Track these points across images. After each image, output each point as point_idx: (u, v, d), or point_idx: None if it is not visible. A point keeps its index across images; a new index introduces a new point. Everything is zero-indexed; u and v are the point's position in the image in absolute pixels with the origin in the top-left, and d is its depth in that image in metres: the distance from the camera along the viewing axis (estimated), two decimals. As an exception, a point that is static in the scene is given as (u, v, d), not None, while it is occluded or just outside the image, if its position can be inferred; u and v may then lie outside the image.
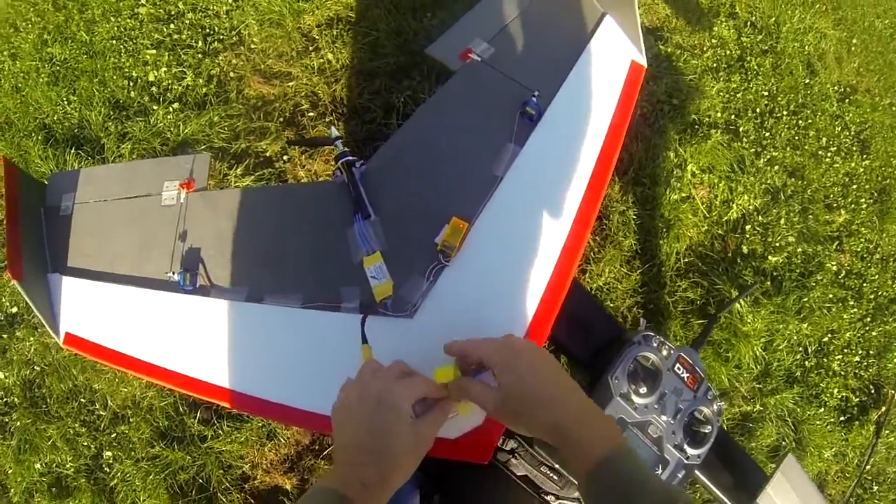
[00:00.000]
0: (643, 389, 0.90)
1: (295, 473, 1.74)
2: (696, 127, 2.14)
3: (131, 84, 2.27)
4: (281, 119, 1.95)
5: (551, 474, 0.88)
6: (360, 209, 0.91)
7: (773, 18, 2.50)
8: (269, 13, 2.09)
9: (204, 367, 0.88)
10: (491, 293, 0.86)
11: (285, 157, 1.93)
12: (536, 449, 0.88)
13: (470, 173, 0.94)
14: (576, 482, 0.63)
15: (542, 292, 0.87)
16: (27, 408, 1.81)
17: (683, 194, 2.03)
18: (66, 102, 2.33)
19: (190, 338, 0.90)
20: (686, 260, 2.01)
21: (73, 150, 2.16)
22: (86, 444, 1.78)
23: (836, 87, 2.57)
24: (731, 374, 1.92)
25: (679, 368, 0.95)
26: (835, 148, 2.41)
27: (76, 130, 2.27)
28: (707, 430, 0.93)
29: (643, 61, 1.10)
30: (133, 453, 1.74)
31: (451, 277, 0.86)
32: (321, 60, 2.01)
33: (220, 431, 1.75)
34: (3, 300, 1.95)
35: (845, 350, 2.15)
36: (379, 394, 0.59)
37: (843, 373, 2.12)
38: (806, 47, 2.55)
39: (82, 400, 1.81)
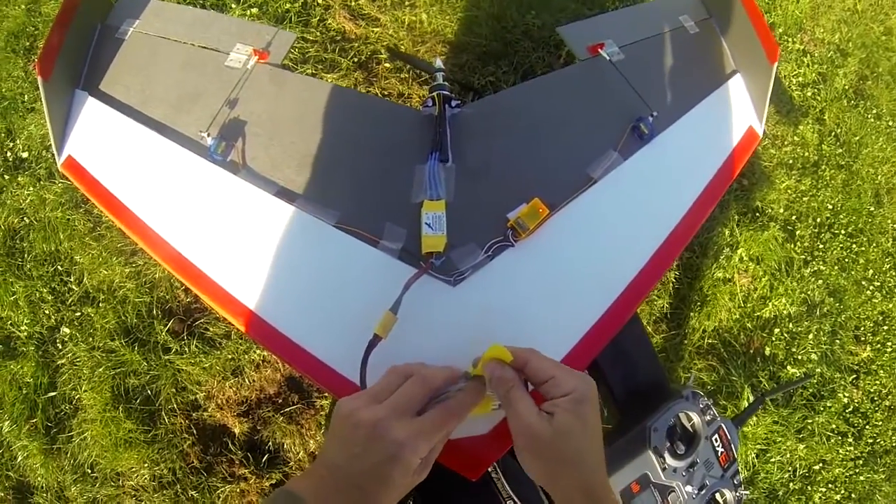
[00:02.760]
0: (680, 450, 0.80)
1: (248, 419, 1.62)
2: (757, 214, 2.07)
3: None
4: (355, 59, 1.87)
5: None
6: (440, 149, 0.81)
7: (858, 138, 2.45)
8: None
9: (203, 252, 0.77)
10: (548, 292, 0.77)
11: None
12: (510, 481, 0.79)
13: (565, 163, 0.87)
14: None
15: (603, 314, 0.77)
16: (2, 256, 1.69)
17: (727, 275, 1.95)
18: None
19: (199, 213, 0.80)
20: (709, 341, 1.92)
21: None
22: (48, 313, 1.67)
23: (894, 226, 2.51)
24: (718, 470, 1.84)
25: (717, 440, 0.85)
26: (878, 283, 2.34)
27: None
28: (725, 518, 0.83)
29: (760, 131, 1.03)
30: (91, 339, 1.63)
31: (511, 259, 0.77)
32: (414, 18, 1.94)
33: (187, 350, 1.64)
34: (18, 143, 1.85)
35: (830, 485, 2.06)
36: (396, 445, 0.49)
37: (821, 507, 2.02)
38: (879, 177, 2.50)
39: (59, 267, 1.69)
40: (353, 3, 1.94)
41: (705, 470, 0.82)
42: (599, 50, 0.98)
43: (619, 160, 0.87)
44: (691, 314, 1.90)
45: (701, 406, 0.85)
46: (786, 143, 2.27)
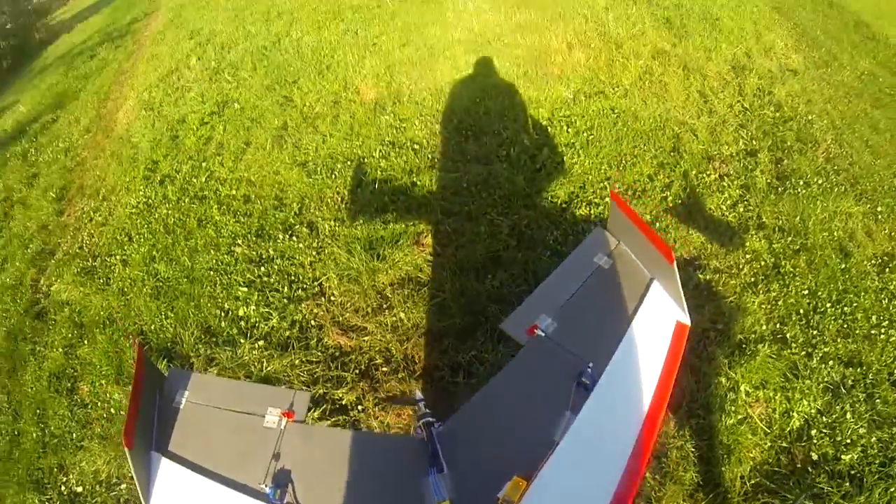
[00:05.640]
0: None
1: None
2: (744, 346, 2.23)
3: (223, 314, 2.59)
4: (357, 371, 2.18)
5: None
6: (435, 463, 1.10)
7: (798, 216, 2.65)
8: (348, 269, 2.43)
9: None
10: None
11: (360, 407, 2.13)
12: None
13: (531, 437, 1.12)
14: None
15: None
16: None
17: (739, 416, 2.08)
18: (163, 316, 2.65)
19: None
20: (752, 482, 2.01)
21: (164, 361, 2.42)
22: None
23: (872, 262, 2.61)
24: None
25: None
26: (886, 322, 2.41)
27: (169, 344, 2.56)
28: None
29: (687, 321, 1.26)
30: None
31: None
32: (394, 318, 2.28)
33: None
34: (72, 478, 2.15)
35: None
36: None
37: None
38: (835, 233, 2.65)
39: None
40: (340, 318, 2.30)
41: None
42: (535, 330, 1.25)
43: (572, 417, 1.11)
44: (723, 469, 2.01)
45: None
46: (741, 266, 2.48)
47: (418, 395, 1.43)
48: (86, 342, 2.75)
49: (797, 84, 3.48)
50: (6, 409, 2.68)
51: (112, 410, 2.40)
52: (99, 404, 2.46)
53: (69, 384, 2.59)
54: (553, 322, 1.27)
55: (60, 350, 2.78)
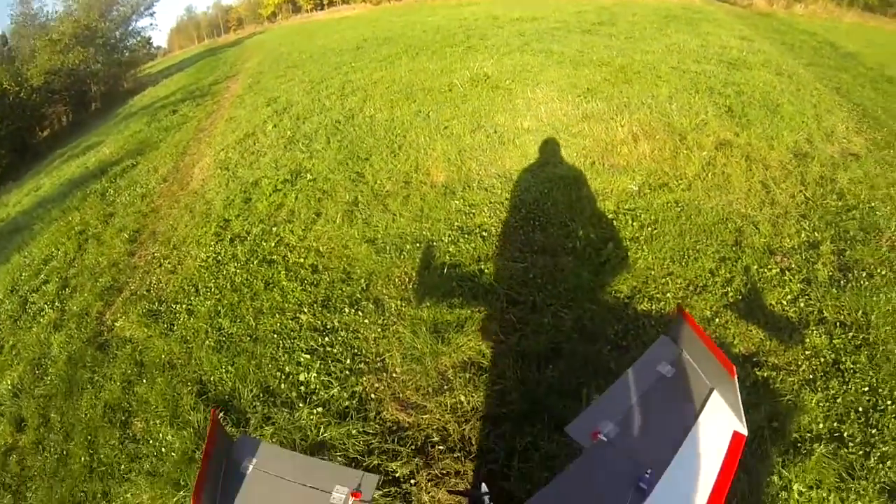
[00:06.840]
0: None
1: None
2: (799, 444, 2.20)
3: (283, 377, 2.72)
4: (412, 446, 2.27)
5: None
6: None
7: (860, 310, 2.61)
8: (412, 349, 2.56)
9: None
10: None
11: (412, 481, 2.19)
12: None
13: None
14: None
15: None
16: None
17: (791, 522, 2.03)
18: (224, 370, 2.79)
19: None
20: None
21: (221, 413, 2.50)
22: None
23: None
24: None
25: None
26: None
27: (226, 397, 2.69)
28: None
29: (744, 431, 1.28)
30: None
31: None
32: (454, 400, 2.37)
33: None
34: None
35: None
36: None
37: None
38: (898, 326, 2.58)
39: None
40: (401, 395, 2.41)
41: None
42: (598, 435, 1.29)
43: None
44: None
45: None
46: (800, 363, 2.44)
47: (484, 488, 1.48)
48: (144, 381, 2.93)
49: (860, 169, 3.49)
50: (58, 429, 2.86)
51: (163, 450, 2.53)
52: (151, 441, 2.60)
53: (123, 417, 2.73)
54: (616, 427, 1.32)
55: (119, 384, 2.96)
